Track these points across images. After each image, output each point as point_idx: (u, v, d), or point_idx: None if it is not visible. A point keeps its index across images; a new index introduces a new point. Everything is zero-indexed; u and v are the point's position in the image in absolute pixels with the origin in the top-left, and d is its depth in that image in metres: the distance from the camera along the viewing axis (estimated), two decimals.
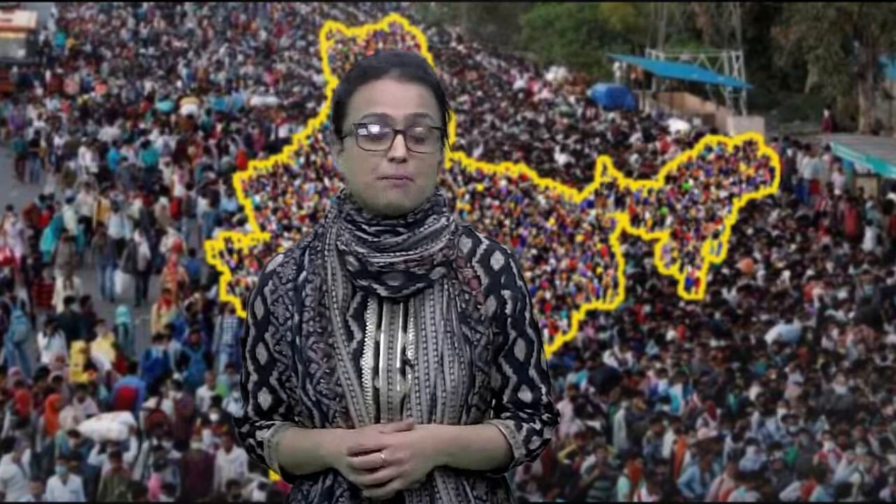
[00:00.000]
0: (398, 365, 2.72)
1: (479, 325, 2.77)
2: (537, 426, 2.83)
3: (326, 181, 17.75)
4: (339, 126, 2.78)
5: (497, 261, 2.81)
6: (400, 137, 2.69)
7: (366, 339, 2.74)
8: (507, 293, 2.80)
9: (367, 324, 2.75)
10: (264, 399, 2.86)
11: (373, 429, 2.69)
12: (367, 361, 2.73)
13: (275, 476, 3.02)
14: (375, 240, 2.73)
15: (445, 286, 2.76)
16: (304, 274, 2.79)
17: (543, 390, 2.85)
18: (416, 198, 2.73)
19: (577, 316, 17.70)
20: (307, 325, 2.76)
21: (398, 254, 2.72)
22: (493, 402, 2.86)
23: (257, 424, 2.88)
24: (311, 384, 2.74)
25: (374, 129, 2.70)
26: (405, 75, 2.73)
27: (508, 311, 2.80)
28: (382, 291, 2.73)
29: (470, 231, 2.85)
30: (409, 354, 2.73)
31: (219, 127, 34.46)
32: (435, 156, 2.75)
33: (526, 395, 2.83)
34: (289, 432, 2.82)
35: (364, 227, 2.74)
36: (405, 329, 2.74)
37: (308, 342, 2.75)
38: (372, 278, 2.73)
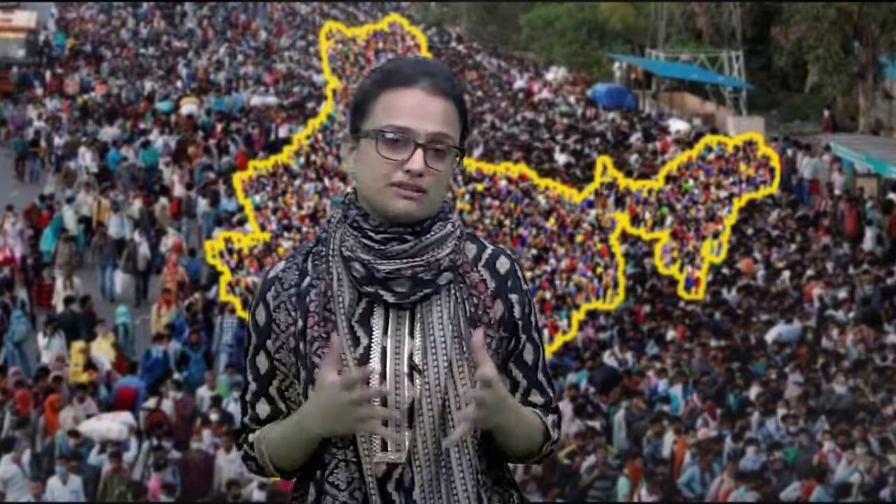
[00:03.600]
0: (405, 370, 2.70)
1: (488, 329, 2.76)
2: (556, 419, 2.87)
3: (326, 181, 17.76)
4: (356, 125, 2.75)
5: (503, 265, 2.81)
6: (420, 151, 2.67)
7: (372, 345, 2.71)
8: (514, 297, 2.80)
9: (374, 329, 2.72)
10: (262, 409, 2.85)
11: (329, 373, 2.60)
12: (373, 367, 2.70)
13: (275, 477, 2.99)
14: (382, 247, 2.71)
15: (453, 291, 2.75)
16: (307, 279, 2.77)
17: (551, 394, 2.87)
18: (426, 210, 2.72)
19: (577, 316, 17.69)
20: (312, 330, 2.73)
21: (405, 260, 2.70)
22: None
23: (253, 431, 2.87)
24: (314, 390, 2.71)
25: (396, 138, 2.67)
26: (435, 88, 2.70)
27: (517, 314, 2.80)
28: (389, 298, 2.70)
29: (473, 236, 2.84)
30: (417, 360, 2.70)
31: (219, 127, 34.45)
32: (449, 172, 2.74)
33: (537, 399, 2.85)
34: (274, 424, 2.82)
35: (370, 233, 2.72)
36: (412, 334, 2.72)
37: (312, 347, 2.72)
38: (378, 284, 2.70)
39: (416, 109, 2.68)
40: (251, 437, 2.85)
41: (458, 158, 2.75)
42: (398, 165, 2.67)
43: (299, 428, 2.70)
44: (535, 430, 2.80)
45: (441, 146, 2.69)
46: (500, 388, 2.60)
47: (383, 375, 2.70)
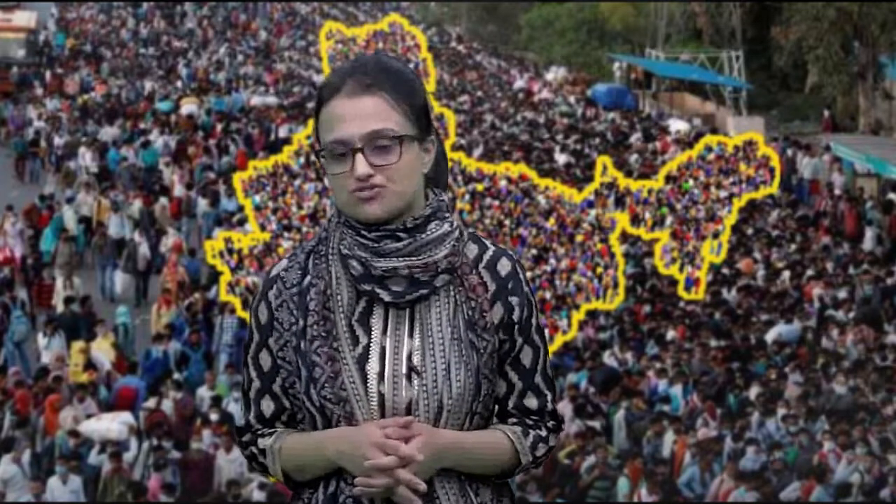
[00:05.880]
0: (404, 371, 2.70)
1: (485, 333, 2.75)
2: (543, 433, 2.82)
3: (326, 181, 17.74)
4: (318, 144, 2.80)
5: (504, 267, 2.79)
6: (359, 156, 2.67)
7: (371, 345, 2.71)
8: (514, 300, 2.78)
9: (373, 329, 2.72)
10: (267, 406, 2.83)
11: (375, 425, 2.67)
12: (372, 367, 2.70)
13: (281, 481, 3.00)
14: (376, 245, 2.71)
15: (452, 293, 2.74)
16: (308, 278, 2.77)
17: (549, 397, 2.84)
18: (393, 203, 2.70)
19: (577, 316, 17.68)
20: (311, 329, 2.73)
21: (401, 259, 2.70)
22: (497, 408, 2.84)
23: (259, 433, 2.84)
24: (315, 389, 2.71)
25: (338, 152, 2.69)
26: (356, 88, 2.69)
27: (515, 317, 2.78)
28: (385, 296, 2.70)
29: (476, 237, 2.83)
30: (416, 361, 2.70)
31: (219, 127, 34.46)
32: (406, 160, 2.70)
33: (532, 402, 2.82)
34: (291, 436, 2.80)
35: (363, 232, 2.72)
36: (411, 335, 2.72)
37: (312, 346, 2.72)
38: (375, 283, 2.71)
39: (344, 116, 2.69)
40: (261, 442, 2.82)
41: (418, 139, 2.73)
42: (349, 175, 2.69)
43: (318, 447, 2.72)
44: (500, 456, 2.78)
45: (382, 141, 2.68)
46: (427, 450, 2.64)
47: (381, 376, 2.70)
